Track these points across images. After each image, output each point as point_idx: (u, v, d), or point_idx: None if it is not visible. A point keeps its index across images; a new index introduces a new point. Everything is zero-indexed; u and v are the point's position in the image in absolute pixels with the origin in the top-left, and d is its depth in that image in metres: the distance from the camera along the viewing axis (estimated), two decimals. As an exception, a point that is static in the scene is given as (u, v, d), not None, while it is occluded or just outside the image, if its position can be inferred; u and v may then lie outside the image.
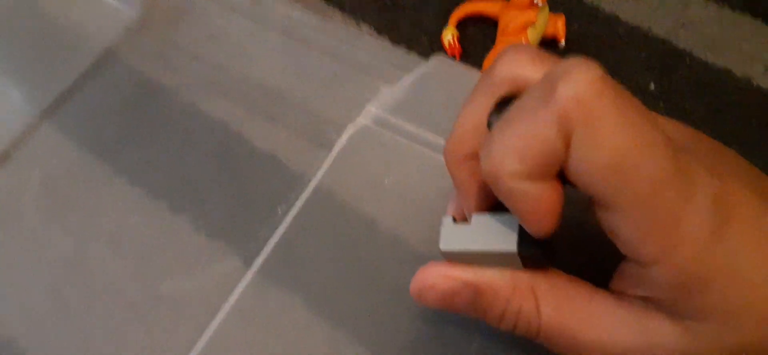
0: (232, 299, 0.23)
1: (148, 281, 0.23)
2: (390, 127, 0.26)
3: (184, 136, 0.26)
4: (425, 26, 0.30)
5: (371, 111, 0.27)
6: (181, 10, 0.30)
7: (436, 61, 0.27)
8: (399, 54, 0.29)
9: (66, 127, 0.26)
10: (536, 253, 0.16)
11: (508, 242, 0.16)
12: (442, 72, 0.27)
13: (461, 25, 0.30)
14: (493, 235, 0.16)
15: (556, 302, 0.17)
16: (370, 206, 0.25)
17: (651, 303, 0.16)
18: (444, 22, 0.30)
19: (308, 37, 0.29)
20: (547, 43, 0.29)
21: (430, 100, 0.27)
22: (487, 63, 0.29)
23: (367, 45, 0.29)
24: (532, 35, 0.28)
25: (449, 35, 0.29)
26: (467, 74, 0.27)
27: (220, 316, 0.22)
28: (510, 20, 0.29)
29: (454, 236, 0.17)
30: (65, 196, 0.25)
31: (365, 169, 0.26)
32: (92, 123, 0.27)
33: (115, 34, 0.29)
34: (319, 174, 0.25)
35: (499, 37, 0.29)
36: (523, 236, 0.16)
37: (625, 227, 0.15)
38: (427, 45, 0.30)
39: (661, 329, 0.16)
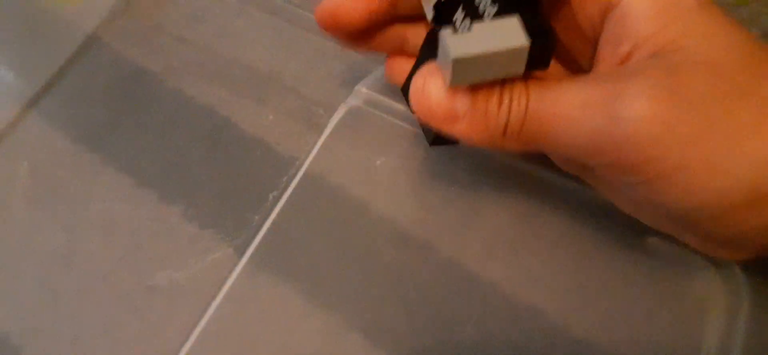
0: (226, 287, 0.23)
1: (141, 271, 0.23)
2: (382, 107, 0.26)
3: (172, 121, 0.26)
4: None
5: (362, 91, 0.26)
6: (164, -9, 0.29)
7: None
8: (390, 31, 0.28)
9: (53, 115, 0.26)
10: (544, 44, 0.17)
11: (519, 38, 0.16)
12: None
13: None
14: (500, 36, 0.17)
15: (540, 90, 0.17)
16: (362, 188, 0.25)
17: (630, 68, 0.17)
18: None
19: (296, 15, 0.28)
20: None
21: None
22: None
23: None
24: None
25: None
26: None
27: (214, 305, 0.22)
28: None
29: (461, 43, 0.17)
30: (54, 185, 0.25)
31: (357, 151, 0.25)
32: (79, 110, 0.26)
33: (99, 18, 0.28)
34: (311, 157, 0.25)
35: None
36: (532, 31, 0.17)
37: None
38: (419, 20, 0.29)
39: (643, 66, 0.16)
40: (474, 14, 0.18)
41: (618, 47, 0.17)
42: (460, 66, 0.17)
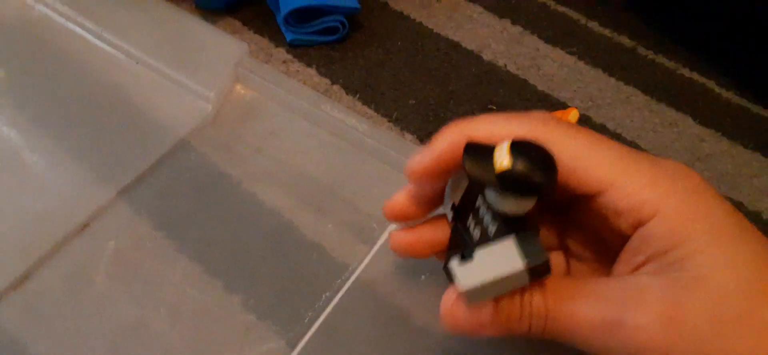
0: (277, 376, 0.25)
1: (200, 353, 0.25)
2: (428, 228, 0.29)
3: (242, 220, 0.29)
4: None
5: (412, 212, 0.29)
6: (249, 108, 0.34)
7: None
8: (439, 162, 0.32)
9: (141, 204, 0.30)
10: (540, 264, 0.19)
11: (516, 263, 0.19)
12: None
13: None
14: (499, 262, 0.19)
15: (557, 290, 0.20)
16: (406, 299, 0.27)
17: (640, 285, 0.19)
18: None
19: (359, 140, 0.32)
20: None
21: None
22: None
23: (411, 151, 0.32)
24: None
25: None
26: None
27: (265, 391, 0.24)
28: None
29: (467, 274, 0.19)
30: (134, 266, 0.28)
31: (404, 265, 0.28)
32: (164, 202, 0.30)
33: (192, 125, 0.32)
34: (362, 266, 0.28)
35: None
36: (526, 253, 0.19)
37: (627, 196, 0.19)
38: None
39: (648, 284, 0.19)
40: (480, 222, 0.21)
41: (635, 256, 0.20)
42: (471, 293, 0.19)
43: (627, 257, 0.20)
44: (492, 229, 0.20)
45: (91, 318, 0.26)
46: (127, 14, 0.37)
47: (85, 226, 0.29)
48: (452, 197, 0.23)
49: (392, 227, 0.29)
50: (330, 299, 0.27)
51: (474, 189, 0.21)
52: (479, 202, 0.21)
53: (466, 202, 0.22)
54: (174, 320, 0.26)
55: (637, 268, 0.20)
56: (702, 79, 0.38)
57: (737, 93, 0.37)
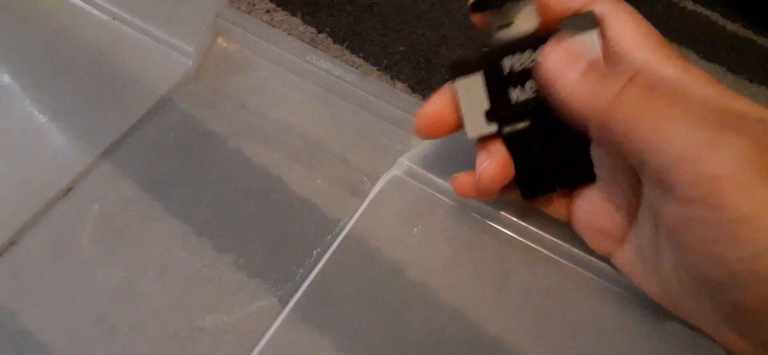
0: (268, 334, 0.24)
1: (191, 314, 0.25)
2: (421, 179, 0.28)
3: (229, 178, 0.29)
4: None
5: (403, 163, 0.29)
6: (231, 63, 0.33)
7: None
8: (431, 111, 0.30)
9: (124, 165, 0.29)
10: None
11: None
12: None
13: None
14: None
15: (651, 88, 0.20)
16: (398, 253, 0.26)
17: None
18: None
19: (347, 91, 0.31)
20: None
21: (459, 156, 0.28)
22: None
23: (401, 101, 0.31)
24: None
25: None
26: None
27: (257, 350, 0.24)
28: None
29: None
30: (119, 229, 0.27)
31: (396, 218, 0.27)
32: (147, 163, 0.29)
33: (173, 82, 0.31)
34: (353, 220, 0.27)
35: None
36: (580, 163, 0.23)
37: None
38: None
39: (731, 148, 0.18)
40: (517, 83, 0.23)
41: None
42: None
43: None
44: (529, 64, 0.22)
45: (78, 283, 0.26)
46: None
47: (68, 190, 0.28)
48: (476, 114, 0.24)
49: (384, 178, 0.29)
50: (321, 255, 0.26)
51: (489, 65, 0.23)
52: (506, 64, 0.23)
53: (494, 93, 0.23)
54: (162, 282, 0.26)
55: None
56: (706, 12, 0.36)
57: (743, 25, 0.35)
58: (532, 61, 0.22)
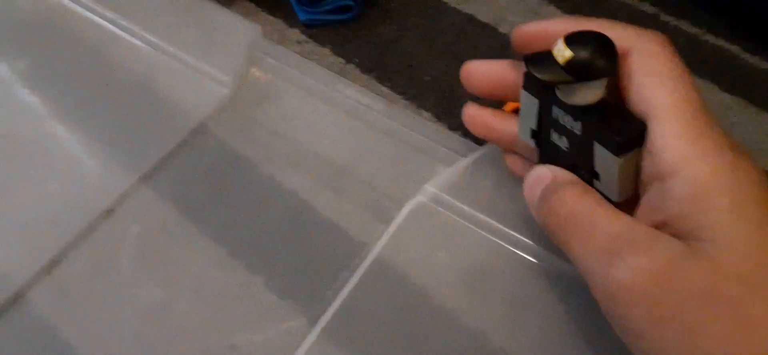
0: (298, 353, 0.25)
1: (224, 332, 0.26)
2: (445, 205, 0.29)
3: (261, 202, 0.30)
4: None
5: (429, 190, 0.29)
6: (264, 91, 0.34)
7: (490, 147, 0.30)
8: (455, 139, 0.32)
9: (163, 188, 0.30)
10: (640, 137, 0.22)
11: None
12: (495, 157, 0.29)
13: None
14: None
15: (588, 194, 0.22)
16: (423, 277, 0.27)
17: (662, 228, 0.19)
18: (497, 112, 0.33)
19: (374, 120, 0.32)
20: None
21: (482, 183, 0.29)
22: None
23: (427, 129, 0.32)
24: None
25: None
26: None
27: (287, 369, 0.25)
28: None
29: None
30: (157, 249, 0.28)
31: (421, 243, 0.28)
32: (184, 186, 0.30)
33: (209, 110, 0.33)
34: (380, 245, 0.28)
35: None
36: (629, 128, 0.22)
37: (659, 134, 0.19)
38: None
39: (668, 242, 0.19)
40: (563, 130, 0.23)
41: (654, 213, 0.20)
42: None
43: (647, 210, 0.20)
44: (577, 128, 0.22)
45: (118, 300, 0.27)
46: (141, 0, 0.37)
47: (109, 212, 0.30)
48: (526, 125, 0.25)
49: (410, 204, 0.30)
50: (349, 278, 0.27)
51: (544, 100, 0.23)
52: (555, 113, 0.23)
53: (542, 121, 0.24)
54: (197, 300, 0.27)
55: (656, 226, 0.20)
56: (727, 45, 0.37)
57: (764, 59, 0.36)
58: (572, 128, 0.23)
